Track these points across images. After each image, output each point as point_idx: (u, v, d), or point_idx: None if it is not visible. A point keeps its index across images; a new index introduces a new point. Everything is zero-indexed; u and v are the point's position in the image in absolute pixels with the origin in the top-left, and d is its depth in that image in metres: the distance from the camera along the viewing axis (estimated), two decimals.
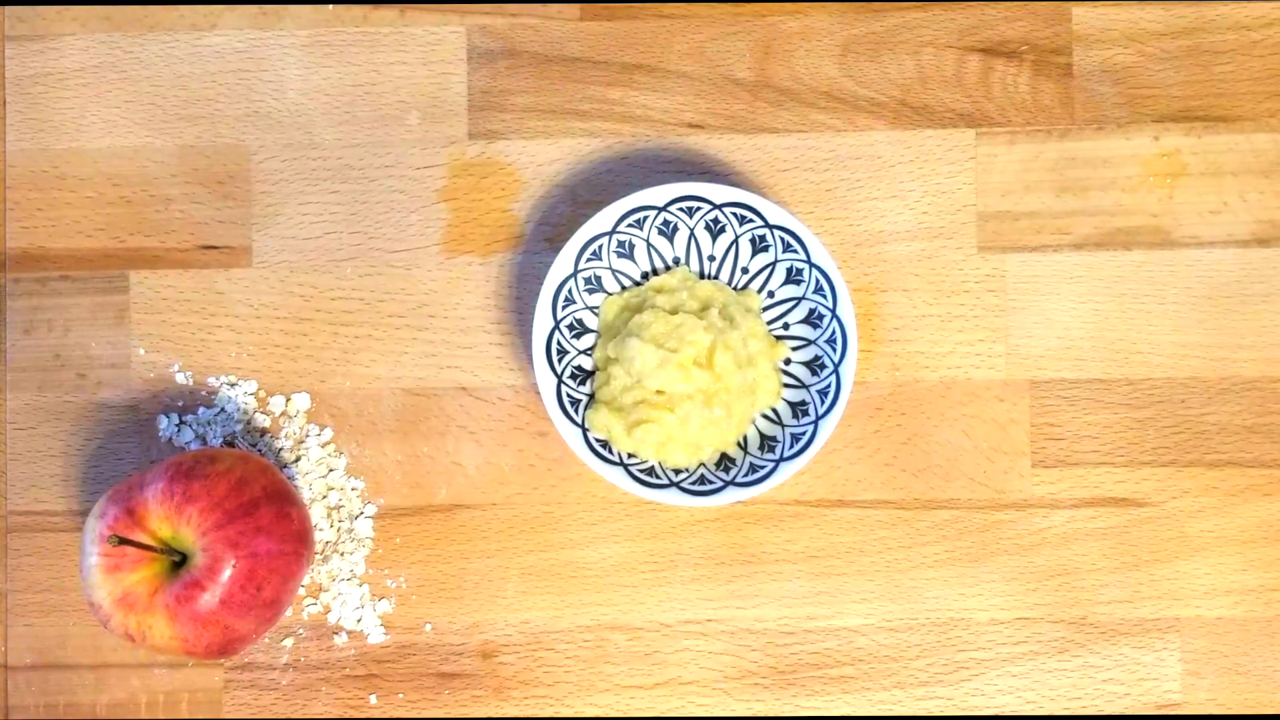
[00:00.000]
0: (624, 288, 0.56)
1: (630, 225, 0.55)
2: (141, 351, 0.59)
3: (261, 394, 0.58)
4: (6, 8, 0.59)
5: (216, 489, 0.51)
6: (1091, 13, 0.57)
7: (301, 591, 0.58)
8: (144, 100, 0.59)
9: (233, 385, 0.58)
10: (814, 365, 0.55)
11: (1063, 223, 0.57)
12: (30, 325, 0.59)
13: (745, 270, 0.56)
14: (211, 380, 0.58)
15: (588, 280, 0.55)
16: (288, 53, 0.59)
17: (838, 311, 0.54)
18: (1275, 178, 0.57)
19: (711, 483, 0.54)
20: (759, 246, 0.55)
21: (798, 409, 0.55)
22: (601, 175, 0.58)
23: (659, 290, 0.55)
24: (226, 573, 0.51)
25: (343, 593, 0.58)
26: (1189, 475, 0.56)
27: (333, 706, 0.57)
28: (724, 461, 0.55)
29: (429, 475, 0.58)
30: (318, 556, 0.58)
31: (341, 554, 0.58)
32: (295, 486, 0.56)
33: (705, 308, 0.54)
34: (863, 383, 0.57)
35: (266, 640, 0.58)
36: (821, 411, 0.54)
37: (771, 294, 0.56)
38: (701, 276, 0.56)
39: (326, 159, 0.58)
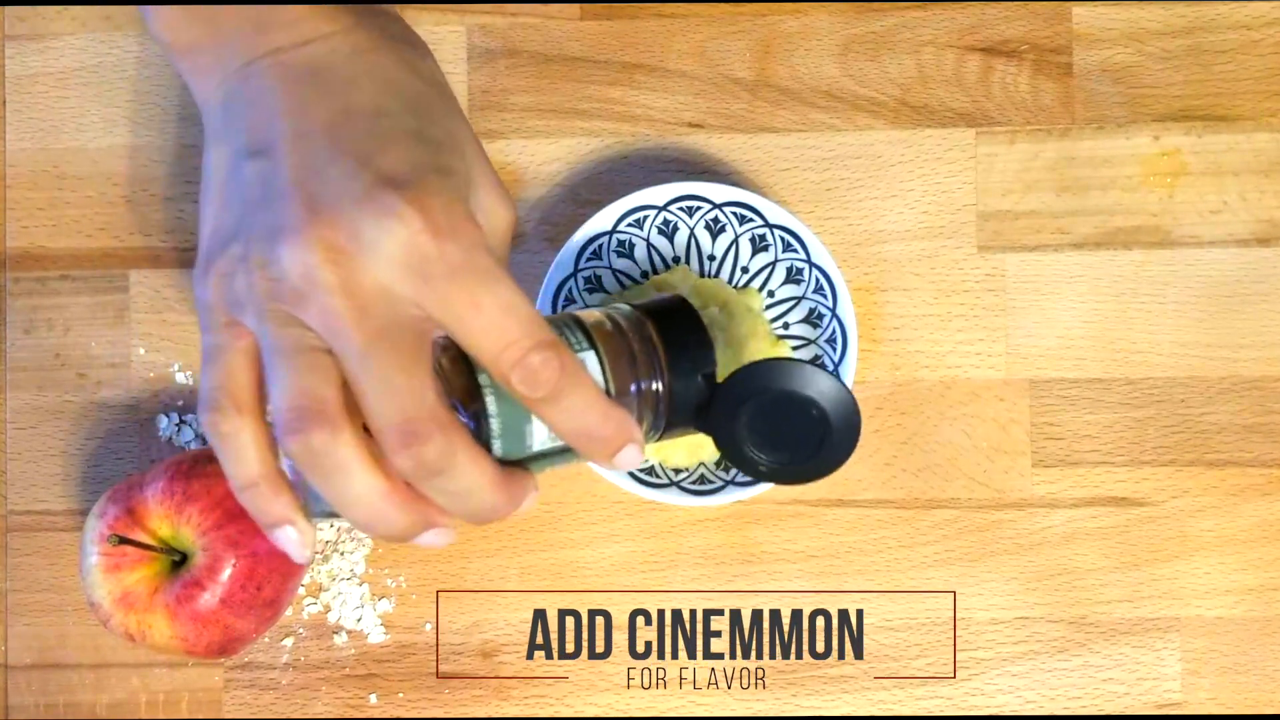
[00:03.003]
0: (624, 287, 0.56)
1: (630, 225, 0.55)
2: (141, 351, 0.59)
3: None
4: (6, 8, 0.59)
5: (216, 488, 0.51)
6: (1091, 12, 0.57)
7: (301, 591, 0.58)
8: (144, 100, 0.59)
9: None
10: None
11: (1063, 222, 0.57)
12: (30, 325, 0.59)
13: (745, 270, 0.56)
14: None
15: (588, 280, 0.55)
16: None
17: (838, 311, 0.54)
18: (1275, 177, 0.57)
19: (711, 483, 0.54)
20: (759, 246, 0.55)
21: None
22: (601, 175, 0.58)
23: (659, 288, 0.55)
24: (226, 572, 0.51)
25: (343, 592, 0.58)
26: (1189, 475, 0.56)
27: (333, 706, 0.57)
28: (724, 461, 0.55)
29: None
30: (318, 556, 0.58)
31: (341, 554, 0.58)
32: None
33: (706, 307, 0.54)
34: (863, 382, 0.57)
35: (266, 640, 0.58)
36: None
37: (771, 293, 0.56)
38: (701, 276, 0.56)
39: None
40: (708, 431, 0.44)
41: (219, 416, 0.38)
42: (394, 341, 0.36)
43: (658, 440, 0.44)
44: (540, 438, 0.40)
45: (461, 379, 0.39)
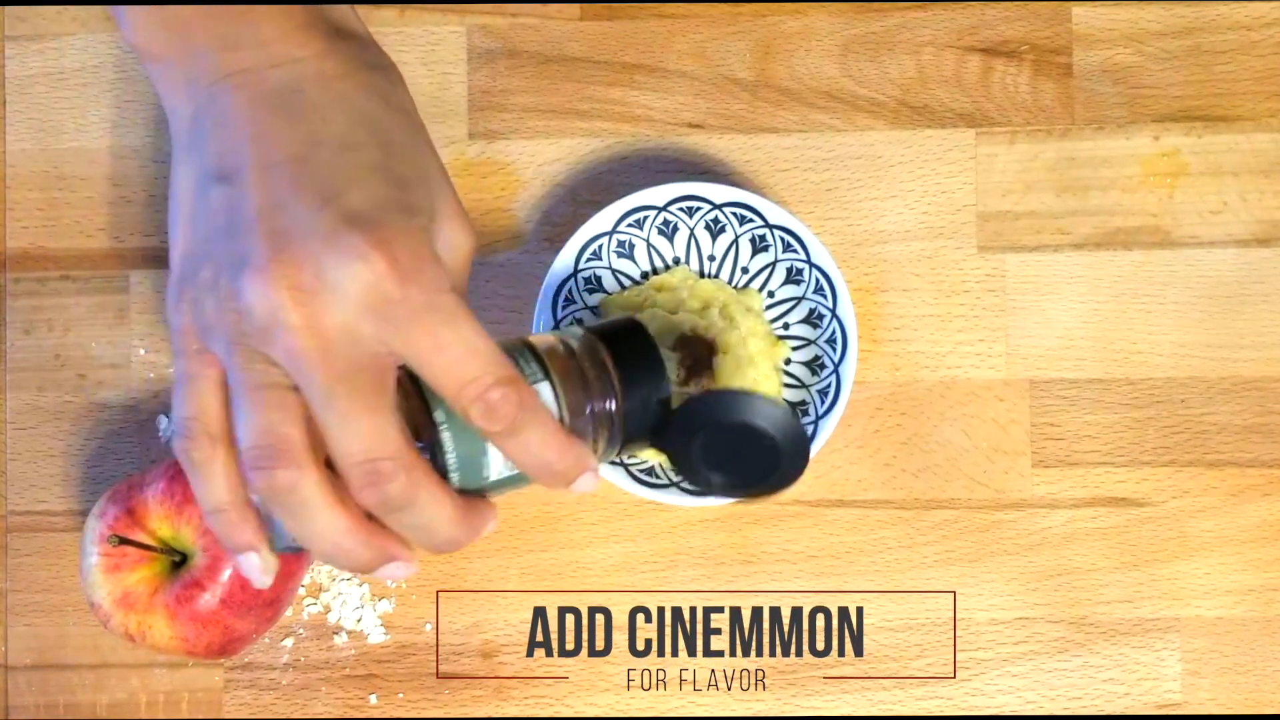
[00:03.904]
0: (624, 287, 0.56)
1: (630, 225, 0.55)
2: (141, 351, 0.59)
3: None
4: (6, 8, 0.59)
5: None
6: (1091, 13, 0.57)
7: (301, 591, 0.58)
8: (144, 100, 0.59)
9: None
10: (814, 365, 0.55)
11: (1063, 223, 0.57)
12: (30, 325, 0.59)
13: (745, 270, 0.56)
14: None
15: (588, 280, 0.55)
16: None
17: (838, 311, 0.54)
18: (1275, 178, 0.57)
19: None
20: (759, 246, 0.55)
21: (798, 409, 0.55)
22: (601, 175, 0.58)
23: (659, 289, 0.55)
24: (226, 572, 0.51)
25: (343, 593, 0.58)
26: (1189, 475, 0.56)
27: (333, 706, 0.57)
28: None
29: None
30: None
31: None
32: None
33: (706, 307, 0.54)
34: (863, 383, 0.57)
35: (266, 640, 0.58)
36: (821, 411, 0.54)
37: (771, 294, 0.56)
38: (701, 276, 0.56)
39: None
40: (664, 451, 0.45)
41: (192, 444, 0.39)
42: (358, 381, 0.37)
43: (616, 457, 0.44)
44: (496, 468, 0.41)
45: (418, 410, 0.40)
